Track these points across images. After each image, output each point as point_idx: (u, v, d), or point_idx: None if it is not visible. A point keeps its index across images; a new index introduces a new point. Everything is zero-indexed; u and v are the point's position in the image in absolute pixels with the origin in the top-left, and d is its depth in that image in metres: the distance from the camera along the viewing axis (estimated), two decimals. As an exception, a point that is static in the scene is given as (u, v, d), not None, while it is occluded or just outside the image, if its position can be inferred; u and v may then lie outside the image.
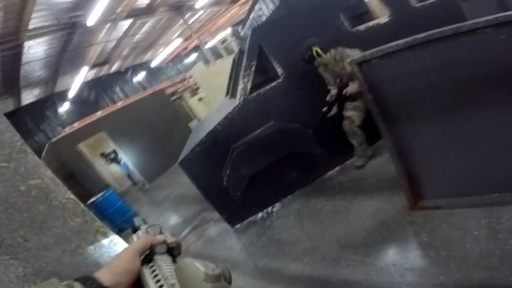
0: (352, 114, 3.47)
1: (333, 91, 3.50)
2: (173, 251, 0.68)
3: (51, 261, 0.96)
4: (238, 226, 3.90)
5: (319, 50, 3.34)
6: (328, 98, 3.52)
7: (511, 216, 2.03)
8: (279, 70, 3.64)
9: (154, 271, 0.58)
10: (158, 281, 0.55)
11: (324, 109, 3.54)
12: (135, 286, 0.61)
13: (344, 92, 3.33)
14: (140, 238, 0.67)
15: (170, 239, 0.69)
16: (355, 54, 3.16)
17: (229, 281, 0.53)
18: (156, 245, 0.66)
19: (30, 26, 9.23)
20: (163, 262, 0.61)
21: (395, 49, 2.04)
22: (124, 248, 0.64)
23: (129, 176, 10.09)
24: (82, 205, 1.06)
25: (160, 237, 0.69)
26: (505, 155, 2.01)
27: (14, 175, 1.01)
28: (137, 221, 0.79)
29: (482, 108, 1.97)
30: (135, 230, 0.76)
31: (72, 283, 0.54)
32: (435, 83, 2.04)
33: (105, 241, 1.04)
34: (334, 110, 3.54)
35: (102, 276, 0.58)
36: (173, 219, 5.75)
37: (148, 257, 0.63)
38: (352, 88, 3.24)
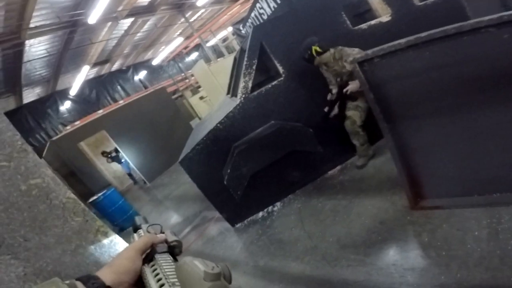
0: (353, 113, 3.46)
1: (334, 90, 3.50)
2: (174, 250, 0.68)
3: (51, 260, 0.96)
4: (238, 225, 3.91)
5: (318, 49, 3.35)
6: (329, 97, 3.53)
7: (511, 216, 2.03)
8: (281, 69, 3.64)
9: (155, 269, 0.59)
10: (159, 279, 0.55)
11: (326, 108, 3.55)
12: (136, 285, 0.62)
13: (344, 90, 3.33)
14: (141, 238, 0.68)
15: (171, 238, 0.69)
16: (355, 53, 3.16)
17: (229, 279, 0.53)
18: (157, 244, 0.66)
19: (32, 25, 9.23)
20: (164, 261, 0.62)
21: (397, 48, 2.03)
22: (125, 247, 0.65)
23: (129, 175, 10.11)
24: (82, 204, 1.06)
25: (161, 236, 0.69)
26: (506, 155, 2.01)
27: (15, 174, 1.01)
28: (138, 220, 0.80)
29: (483, 108, 1.96)
30: (136, 229, 0.77)
31: (74, 282, 0.54)
32: (437, 83, 2.04)
33: (105, 241, 1.04)
34: (335, 110, 3.55)
35: (104, 275, 0.59)
36: (174, 218, 5.76)
37: (149, 256, 0.64)
38: (352, 86, 3.24)
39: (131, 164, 9.09)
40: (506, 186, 2.09)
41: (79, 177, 8.65)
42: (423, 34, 1.91)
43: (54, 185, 1.07)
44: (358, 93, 3.24)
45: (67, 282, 0.53)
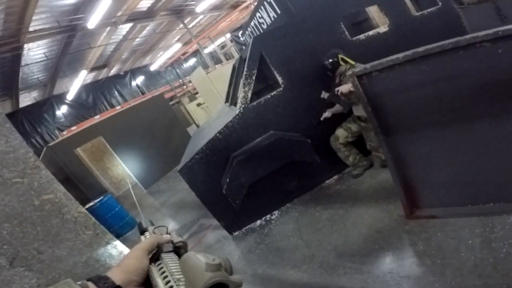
0: (340, 132, 3.61)
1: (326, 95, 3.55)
2: (180, 250, 0.73)
3: (63, 272, 1.01)
4: (236, 233, 3.92)
5: (346, 58, 3.41)
6: (322, 95, 3.55)
7: (504, 225, 2.09)
8: (280, 79, 3.68)
9: (161, 268, 0.64)
10: (165, 277, 0.60)
11: (319, 111, 3.63)
12: (144, 283, 0.67)
13: (336, 90, 3.36)
14: (148, 238, 0.72)
15: (177, 239, 0.74)
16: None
17: (229, 271, 0.58)
18: (163, 244, 0.71)
19: (31, 28, 9.31)
20: (169, 259, 0.66)
21: (395, 62, 2.10)
22: (133, 248, 0.70)
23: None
24: (93, 218, 1.11)
25: (166, 237, 0.74)
26: (499, 166, 2.07)
27: (28, 190, 1.06)
28: (144, 222, 0.84)
29: (478, 121, 2.03)
30: (143, 231, 0.82)
31: (86, 283, 0.59)
32: (433, 96, 2.10)
33: (115, 253, 1.09)
34: (327, 114, 3.62)
35: (114, 275, 0.64)
36: (171, 225, 5.75)
37: (155, 255, 0.69)
38: (344, 87, 3.27)
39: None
40: (499, 196, 2.15)
41: (75, 183, 8.63)
42: (420, 49, 1.97)
43: (66, 200, 1.13)
44: (349, 93, 3.26)
45: (79, 283, 0.58)
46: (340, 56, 3.42)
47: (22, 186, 1.06)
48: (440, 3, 4.31)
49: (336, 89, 3.34)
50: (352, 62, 3.38)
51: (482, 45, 1.76)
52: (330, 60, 3.47)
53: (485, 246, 2.04)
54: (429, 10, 4.27)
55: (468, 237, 2.16)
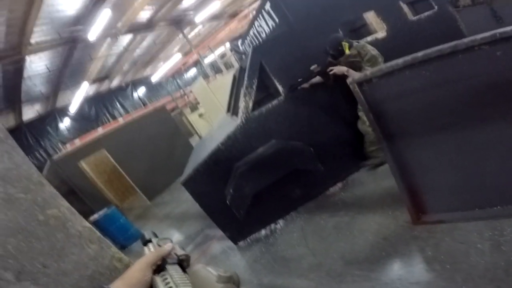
0: (363, 114, 3.51)
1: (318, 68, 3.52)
2: (183, 263, 0.74)
3: (69, 286, 1.02)
4: (241, 243, 3.90)
5: (347, 44, 3.38)
6: (312, 67, 3.53)
7: None
8: (280, 88, 3.70)
9: (165, 279, 0.65)
10: (169, 287, 0.61)
11: (300, 79, 3.57)
12: None
13: (328, 70, 3.35)
14: (152, 252, 0.74)
15: (180, 252, 0.75)
16: (372, 49, 3.30)
17: (237, 284, 0.59)
18: (167, 256, 0.72)
19: (32, 40, 9.39)
20: (174, 271, 0.67)
21: (395, 68, 2.09)
22: (137, 261, 0.71)
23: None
24: (98, 232, 1.12)
25: (168, 246, 0.75)
26: (505, 169, 2.06)
27: (32, 205, 1.07)
28: (147, 234, 0.86)
29: (481, 123, 2.01)
30: (146, 242, 0.83)
31: None
32: (434, 100, 2.10)
33: (119, 266, 1.09)
34: (305, 85, 3.58)
35: (118, 286, 0.65)
36: (176, 236, 5.75)
37: (160, 267, 0.70)
38: (338, 69, 3.27)
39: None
40: (506, 199, 2.13)
41: (79, 196, 8.67)
42: (419, 54, 1.97)
43: (70, 214, 1.14)
44: (341, 76, 3.26)
45: None
46: (344, 42, 3.38)
47: (26, 201, 1.07)
48: (436, 7, 4.36)
49: (330, 68, 3.34)
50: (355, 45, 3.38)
51: (481, 48, 1.76)
52: (335, 49, 3.44)
53: (495, 250, 2.01)
54: (425, 14, 4.31)
55: (477, 241, 2.13)
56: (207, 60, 15.20)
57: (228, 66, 11.43)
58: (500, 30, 1.68)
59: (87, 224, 1.12)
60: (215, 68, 16.09)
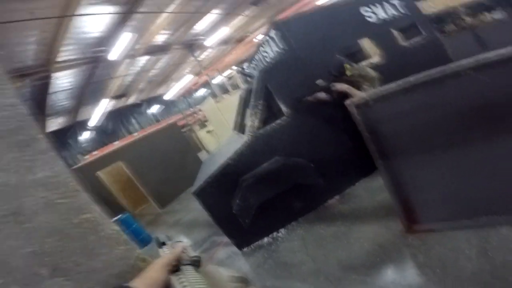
0: None
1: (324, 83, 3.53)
2: (195, 263, 0.77)
3: (98, 282, 1.05)
4: (245, 249, 3.90)
5: (349, 66, 3.39)
6: (317, 81, 3.55)
7: (499, 236, 2.10)
8: (284, 108, 3.74)
9: (180, 279, 0.68)
10: (184, 286, 0.64)
11: (306, 93, 3.61)
12: None
13: (331, 85, 3.37)
14: (168, 254, 0.77)
15: (192, 253, 0.79)
16: (371, 71, 3.34)
17: (246, 284, 0.62)
18: (182, 257, 0.75)
19: (59, 59, 9.56)
20: (188, 271, 0.71)
21: (389, 91, 2.14)
22: (155, 261, 0.74)
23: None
24: (124, 235, 1.17)
25: (182, 247, 0.79)
26: (490, 183, 2.09)
27: (68, 210, 1.12)
28: (162, 237, 0.89)
29: (468, 143, 2.05)
30: (161, 245, 0.86)
31: None
32: (425, 122, 2.13)
33: (143, 265, 1.13)
34: (310, 98, 3.60)
35: (137, 285, 0.68)
36: (185, 242, 5.72)
37: (175, 267, 0.73)
38: (340, 86, 3.29)
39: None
40: (492, 209, 2.15)
41: (96, 203, 8.67)
42: (411, 78, 2.02)
43: (102, 219, 1.18)
44: (342, 94, 3.26)
45: None
46: (346, 65, 3.39)
47: (63, 206, 1.12)
48: (424, 33, 4.44)
49: (332, 84, 3.36)
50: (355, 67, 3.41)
51: (466, 72, 1.81)
52: (338, 70, 3.43)
53: (482, 255, 2.04)
54: (415, 39, 4.39)
55: (465, 248, 2.16)
56: (216, 81, 15.37)
57: (234, 87, 11.55)
58: (483, 56, 1.74)
59: (116, 227, 1.17)
60: (223, 88, 16.26)
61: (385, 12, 4.43)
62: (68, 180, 1.17)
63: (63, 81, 11.66)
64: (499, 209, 2.12)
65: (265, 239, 3.88)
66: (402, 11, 4.54)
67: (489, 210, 2.17)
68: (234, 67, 15.09)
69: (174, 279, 0.69)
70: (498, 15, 6.06)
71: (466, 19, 6.06)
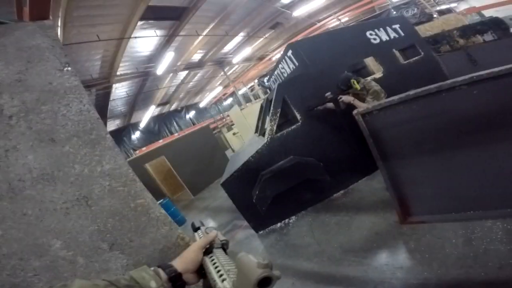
0: None
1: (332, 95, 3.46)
2: (224, 246, 0.77)
3: (146, 256, 1.10)
4: (261, 232, 3.90)
5: (355, 82, 3.29)
6: (326, 94, 3.48)
7: (482, 228, 2.07)
8: (298, 116, 3.74)
9: (213, 259, 0.68)
10: (216, 267, 0.64)
11: (316, 103, 3.56)
12: (197, 272, 0.71)
13: (338, 97, 3.31)
14: (203, 237, 0.77)
15: (222, 238, 0.78)
16: (376, 85, 3.23)
17: (271, 268, 0.60)
18: (213, 241, 0.75)
19: (118, 72, 9.93)
20: (219, 253, 0.70)
21: (391, 103, 2.10)
22: (192, 244, 0.75)
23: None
24: (169, 217, 1.20)
25: (214, 233, 0.78)
26: (477, 182, 2.01)
27: (127, 196, 1.17)
28: (197, 223, 0.89)
29: (458, 147, 1.99)
30: (196, 229, 0.86)
31: (157, 269, 0.65)
32: (421, 130, 2.09)
33: (182, 243, 1.16)
34: (320, 107, 3.57)
35: (176, 264, 0.69)
36: (211, 224, 5.77)
37: (208, 250, 0.73)
38: (346, 98, 3.22)
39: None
40: (478, 205, 2.07)
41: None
42: (411, 92, 1.98)
43: (152, 203, 1.23)
44: (348, 104, 3.20)
45: (152, 268, 0.64)
46: (352, 80, 3.27)
47: (123, 193, 1.17)
48: (422, 53, 4.30)
49: (339, 96, 3.30)
50: (361, 81, 3.29)
51: (460, 87, 1.76)
52: (345, 84, 3.33)
53: (466, 244, 2.00)
54: (414, 58, 4.26)
55: (452, 237, 2.11)
56: (241, 92, 15.43)
57: (256, 97, 11.55)
58: (476, 74, 1.68)
59: (163, 211, 1.21)
60: (246, 98, 16.30)
61: (388, 34, 4.34)
62: (127, 172, 1.23)
63: (120, 90, 12.09)
64: (484, 205, 2.04)
65: (278, 224, 3.88)
66: (402, 34, 4.43)
67: (475, 206, 2.09)
68: (256, 81, 15.09)
69: (207, 260, 0.69)
70: (488, 37, 5.83)
71: (459, 40, 5.83)
